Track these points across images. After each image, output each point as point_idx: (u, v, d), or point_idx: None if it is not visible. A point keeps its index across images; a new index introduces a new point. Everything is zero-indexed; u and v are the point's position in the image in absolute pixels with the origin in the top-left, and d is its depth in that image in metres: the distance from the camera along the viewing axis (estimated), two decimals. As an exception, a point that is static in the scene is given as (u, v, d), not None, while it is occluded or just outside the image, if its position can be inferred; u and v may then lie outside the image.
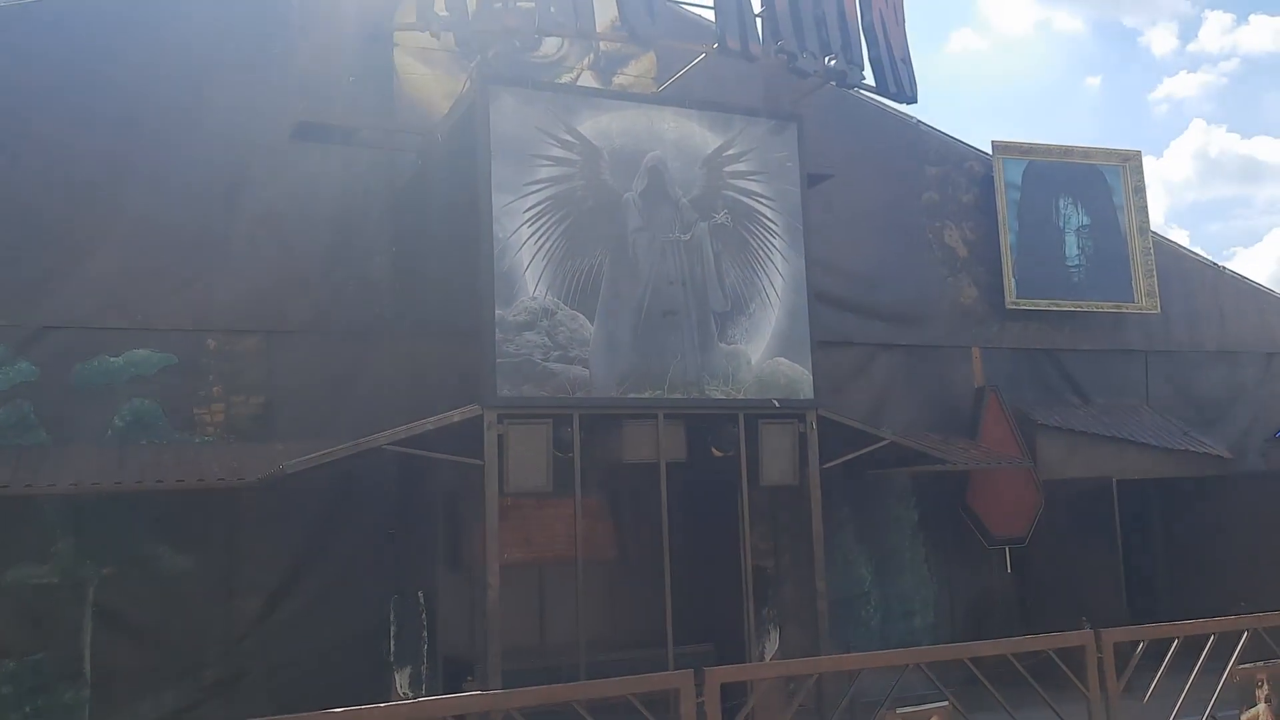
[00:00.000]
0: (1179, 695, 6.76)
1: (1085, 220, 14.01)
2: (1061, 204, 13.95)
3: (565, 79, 11.04)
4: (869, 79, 9.34)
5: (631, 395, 8.38)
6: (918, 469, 11.19)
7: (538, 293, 8.16)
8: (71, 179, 9.43)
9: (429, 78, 10.57)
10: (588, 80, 11.21)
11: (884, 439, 9.36)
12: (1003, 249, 13.48)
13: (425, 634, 8.78)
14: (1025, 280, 13.52)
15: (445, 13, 8.24)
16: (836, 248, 12.55)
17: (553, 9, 8.16)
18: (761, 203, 9.08)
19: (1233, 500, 13.02)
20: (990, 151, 13.69)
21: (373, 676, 9.13)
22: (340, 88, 10.21)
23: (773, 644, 10.04)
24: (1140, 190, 14.12)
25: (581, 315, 8.29)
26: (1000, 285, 13.43)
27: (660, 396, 8.48)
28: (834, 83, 9.12)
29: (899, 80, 9.24)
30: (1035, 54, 40.06)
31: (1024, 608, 12.62)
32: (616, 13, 8.64)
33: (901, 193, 13.27)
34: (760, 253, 9.01)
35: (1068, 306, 13.69)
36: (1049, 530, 12.56)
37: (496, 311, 7.99)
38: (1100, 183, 14.13)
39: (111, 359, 9.42)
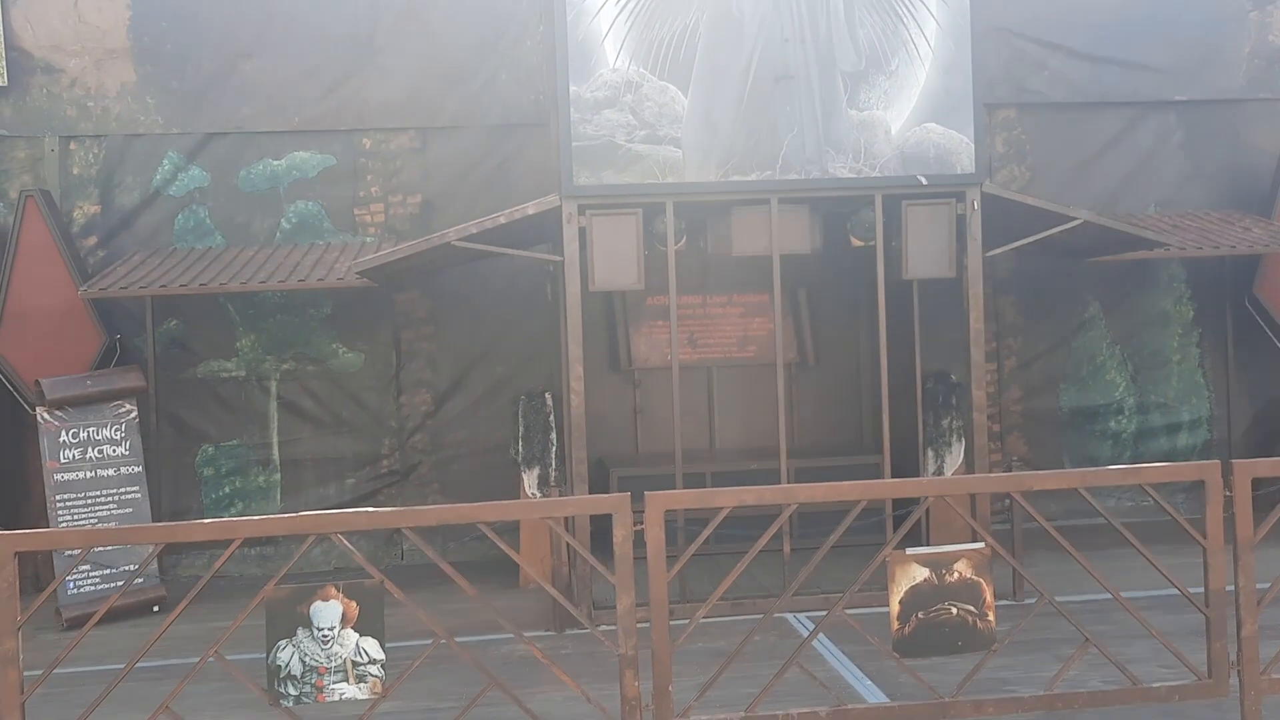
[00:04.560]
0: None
1: None
2: None
3: None
4: None
5: (735, 178, 7.31)
6: (1160, 254, 9.10)
7: (619, 63, 7.22)
8: (221, -14, 9.57)
9: None
10: None
11: (1074, 219, 7.58)
12: (1338, -36, 10.30)
13: (554, 435, 8.54)
14: (1371, 4, 10.32)
15: None
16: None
17: None
18: (910, -71, 7.36)
19: None
20: None
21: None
22: None
23: (955, 457, 8.85)
24: None
25: (673, 87, 7.25)
26: (1332, 14, 10.37)
27: (772, 179, 7.34)
28: None
29: None
30: None
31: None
32: None
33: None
34: (907, -6, 7.37)
35: None
36: (1373, 329, 9.94)
37: (571, 88, 7.18)
38: None
39: (274, 162, 9.71)
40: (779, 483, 7.67)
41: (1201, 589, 4.79)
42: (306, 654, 4.21)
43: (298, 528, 4.30)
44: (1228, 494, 4.81)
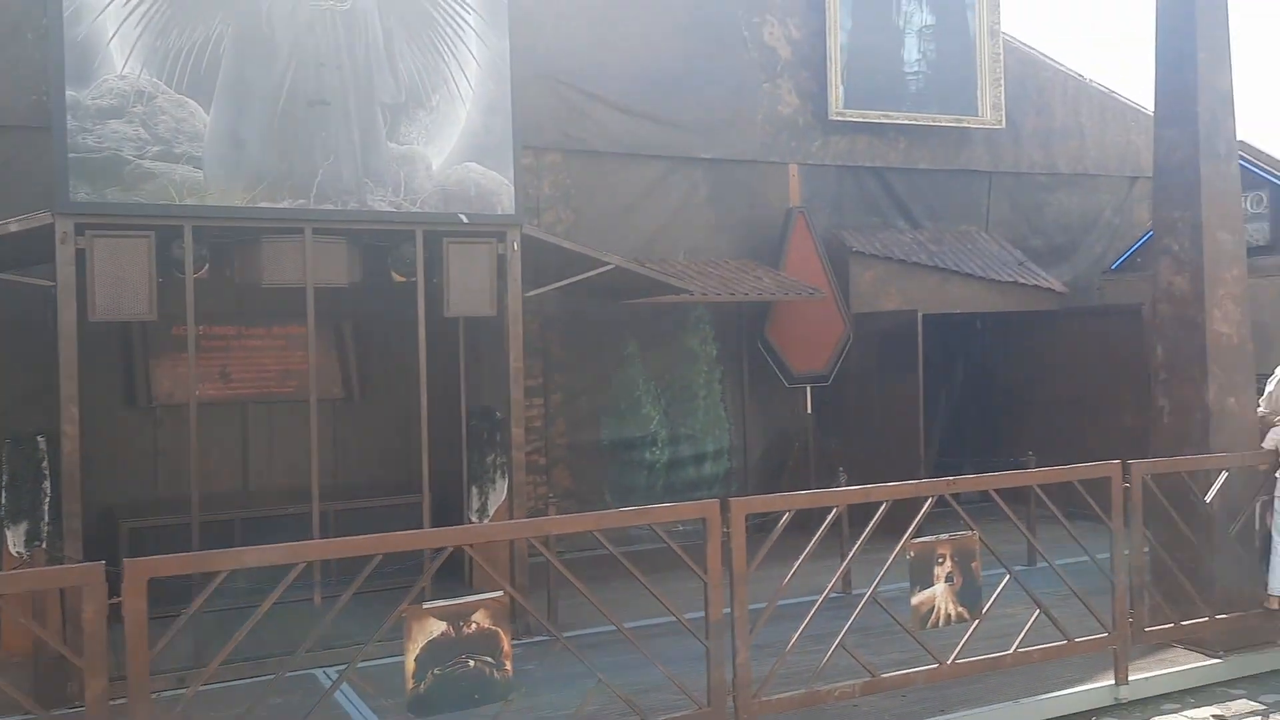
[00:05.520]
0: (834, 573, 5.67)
1: (930, 19, 12.29)
2: (904, 0, 12.19)
3: None
4: None
5: (265, 204, 6.84)
6: (685, 299, 9.79)
7: (129, 70, 6.49)
8: None
9: None
10: None
11: (607, 264, 7.94)
12: (830, 51, 11.79)
13: (47, 484, 7.46)
14: (855, 88, 11.91)
15: None
16: (627, 45, 10.89)
17: None
18: (451, -32, 7.34)
19: (1060, 338, 11.89)
20: (824, -66, 11.84)
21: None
22: None
23: (499, 494, 8.88)
24: (994, -15, 12.37)
25: (193, 102, 6.65)
26: (827, 94, 11.83)
27: (306, 207, 6.95)
28: None
29: None
30: None
31: (823, 452, 11.57)
32: None
33: (715, -19, 11.47)
34: (448, 31, 7.33)
35: (901, 119, 12.14)
36: (857, 368, 11.40)
37: (68, 93, 6.34)
38: (950, -25, 12.35)
39: None
40: (314, 526, 7.28)
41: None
42: None
43: None
44: (726, 530, 5.15)
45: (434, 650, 4.48)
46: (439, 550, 6.80)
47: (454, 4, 7.34)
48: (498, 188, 7.51)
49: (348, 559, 7.67)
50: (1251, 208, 10.67)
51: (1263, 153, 11.07)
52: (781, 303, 10.98)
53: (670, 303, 10.28)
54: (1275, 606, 6.70)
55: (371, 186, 7.12)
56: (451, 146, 7.37)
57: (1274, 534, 6.68)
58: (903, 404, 10.79)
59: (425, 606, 4.46)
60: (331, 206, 7.01)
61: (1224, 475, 6.56)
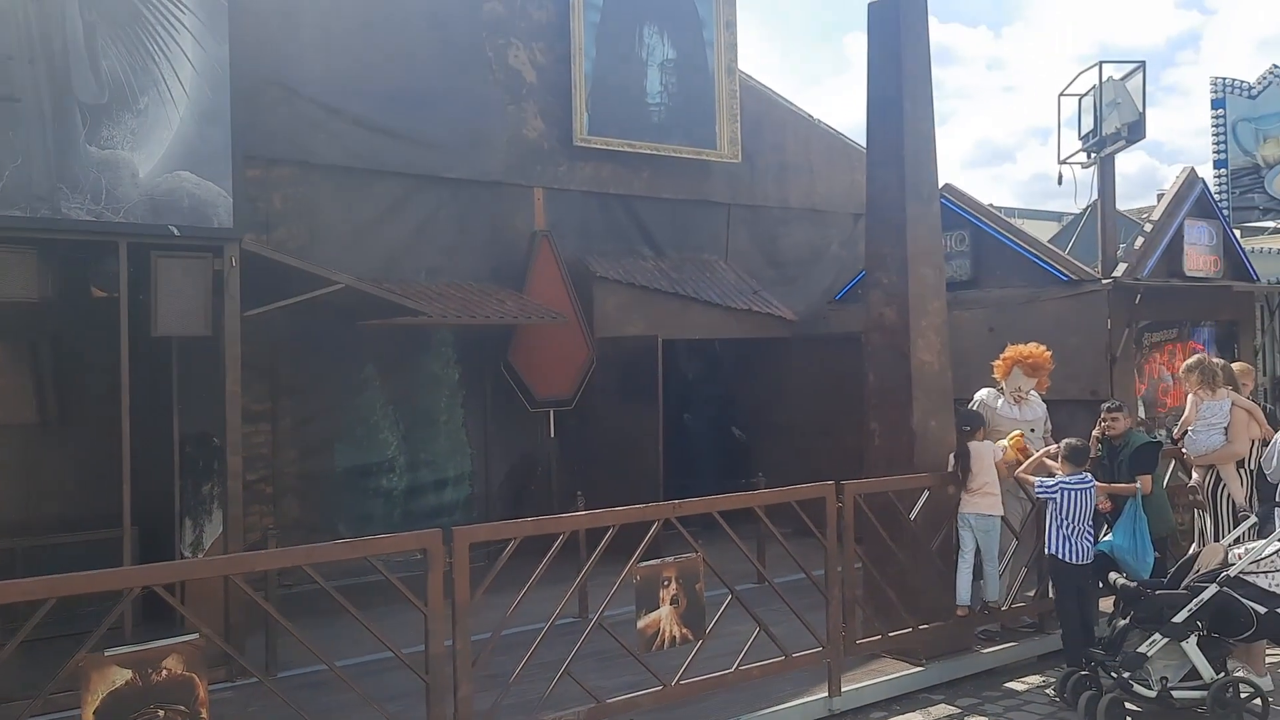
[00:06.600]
0: (562, 599, 5.63)
1: (671, 54, 12.66)
2: (646, 33, 12.50)
3: None
4: None
5: (-63, 208, 6.11)
6: (424, 321, 9.56)
7: None
8: None
9: None
10: None
11: (336, 284, 7.62)
12: (575, 77, 11.91)
13: None
14: (600, 115, 12.07)
15: None
16: (367, 59, 10.56)
17: None
18: (165, -37, 6.86)
19: (792, 364, 12.46)
20: (568, -37, 11.97)
21: None
22: None
23: (216, 526, 8.30)
24: (732, 26, 12.89)
25: None
26: (572, 120, 11.92)
27: (-12, 213, 6.27)
28: None
29: None
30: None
31: (567, 477, 11.57)
32: None
33: (456, 1, 11.32)
34: (160, 31, 6.83)
35: (645, 149, 12.41)
36: (600, 392, 11.49)
37: None
38: (690, 13, 12.78)
39: None
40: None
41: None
42: None
43: None
44: (450, 560, 5.00)
45: (117, 701, 4.08)
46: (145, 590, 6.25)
47: (167, 2, 6.84)
48: (215, 199, 7.05)
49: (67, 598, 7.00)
50: (955, 246, 11.60)
51: (965, 195, 12.04)
52: (525, 327, 10.92)
53: (409, 325, 10.00)
54: (962, 614, 7.23)
55: (67, 193, 6.50)
56: (162, 153, 6.85)
57: (959, 555, 7.20)
58: (644, 428, 10.96)
59: (107, 654, 4.06)
60: (19, 213, 6.35)
61: (926, 494, 7.03)
